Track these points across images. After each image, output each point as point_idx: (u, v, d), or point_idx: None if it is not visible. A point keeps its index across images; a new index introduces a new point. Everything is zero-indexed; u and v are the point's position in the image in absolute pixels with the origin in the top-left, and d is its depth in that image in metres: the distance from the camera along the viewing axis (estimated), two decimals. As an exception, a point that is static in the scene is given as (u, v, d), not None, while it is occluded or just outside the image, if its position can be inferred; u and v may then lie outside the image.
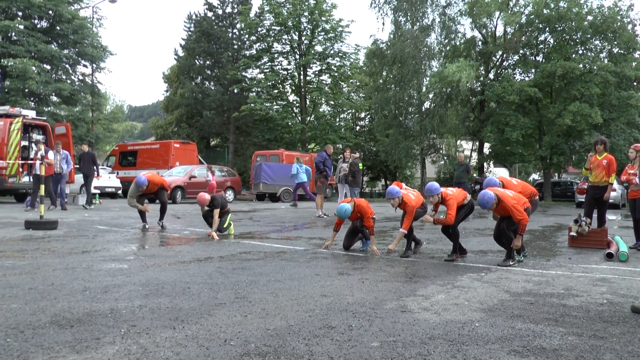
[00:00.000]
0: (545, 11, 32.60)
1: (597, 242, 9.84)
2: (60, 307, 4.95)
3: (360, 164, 17.13)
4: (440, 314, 4.88)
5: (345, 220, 9.02)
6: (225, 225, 11.37)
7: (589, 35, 32.81)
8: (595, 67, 31.13)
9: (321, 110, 42.73)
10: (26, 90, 31.83)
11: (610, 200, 11.31)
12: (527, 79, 34.68)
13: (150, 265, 7.37)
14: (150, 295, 5.48)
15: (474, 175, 29.24)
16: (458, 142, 45.12)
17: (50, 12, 33.50)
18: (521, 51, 35.28)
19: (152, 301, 5.23)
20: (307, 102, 41.73)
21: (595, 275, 7.06)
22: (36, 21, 34.29)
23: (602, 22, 31.86)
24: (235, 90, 42.18)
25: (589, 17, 32.46)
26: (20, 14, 33.30)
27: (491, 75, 36.01)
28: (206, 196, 10.99)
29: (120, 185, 28.25)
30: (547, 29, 33.59)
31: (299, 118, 41.20)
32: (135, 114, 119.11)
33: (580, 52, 33.65)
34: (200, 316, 4.70)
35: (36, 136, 21.97)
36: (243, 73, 41.35)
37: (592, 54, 33.32)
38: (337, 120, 43.52)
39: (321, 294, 5.67)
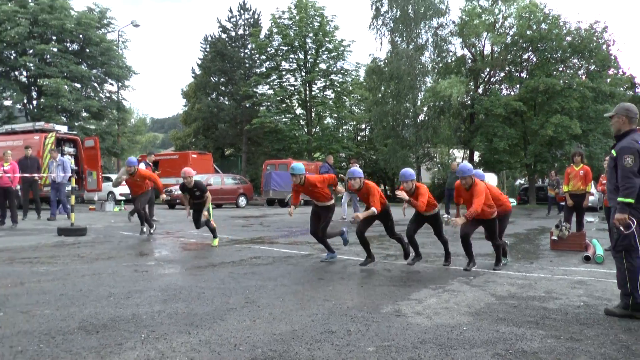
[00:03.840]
0: (528, 32, 32.52)
1: (576, 245, 9.79)
2: (87, 312, 4.97)
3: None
4: (431, 317, 4.86)
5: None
6: (210, 218, 10.43)
7: (568, 54, 32.76)
8: (574, 83, 31.05)
9: (325, 122, 42.71)
10: (59, 107, 32.12)
11: (589, 204, 11.28)
12: (512, 93, 34.56)
13: (169, 271, 7.38)
14: (168, 300, 5.48)
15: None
16: (451, 151, 44.99)
17: (81, 36, 33.85)
18: (507, 68, 35.17)
19: (169, 306, 5.23)
20: (313, 115, 41.81)
21: (574, 277, 7.02)
22: (68, 44, 34.57)
23: (579, 42, 31.83)
24: (247, 105, 42.25)
25: (568, 38, 32.41)
26: (54, 37, 33.65)
27: (480, 90, 35.94)
28: (193, 171, 10.23)
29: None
30: (530, 48, 33.52)
31: (305, 129, 41.19)
32: (157, 125, 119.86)
33: (561, 69, 33.56)
34: (213, 321, 4.70)
35: (68, 149, 22.10)
36: (254, 89, 41.41)
37: (571, 71, 33.31)
38: (340, 131, 43.44)
39: (324, 298, 5.66)
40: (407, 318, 4.84)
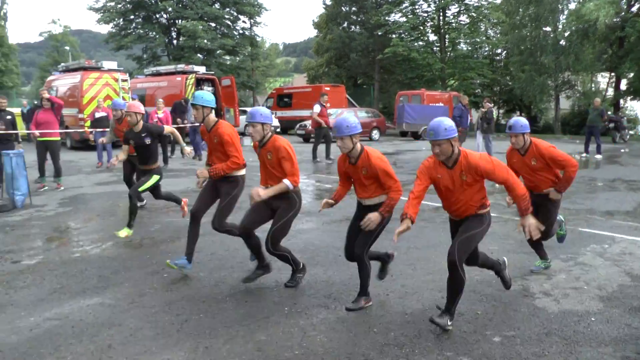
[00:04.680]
0: None
1: None
2: (235, 277, 5.56)
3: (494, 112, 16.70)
4: (559, 301, 4.82)
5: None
6: (141, 189, 7.48)
7: None
8: None
9: (459, 48, 41.22)
10: (197, 46, 34.11)
11: None
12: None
13: (307, 226, 7.82)
14: (307, 265, 5.85)
15: (609, 113, 26.99)
16: (594, 78, 41.83)
17: (213, -24, 35.60)
18: (671, -19, 31.36)
19: (311, 272, 5.63)
20: (447, 42, 40.51)
21: None
22: (201, -14, 36.43)
23: None
24: (379, 34, 41.74)
25: None
26: (188, -20, 35.62)
27: (634, 9, 32.55)
28: (141, 108, 7.64)
29: (278, 124, 29.60)
30: None
31: (439, 56, 40.12)
32: (289, 49, 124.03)
33: None
34: (349, 293, 5.04)
35: (207, 88, 23.44)
36: (386, 17, 40.68)
37: None
38: (475, 56, 41.76)
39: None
40: (534, 300, 4.87)
